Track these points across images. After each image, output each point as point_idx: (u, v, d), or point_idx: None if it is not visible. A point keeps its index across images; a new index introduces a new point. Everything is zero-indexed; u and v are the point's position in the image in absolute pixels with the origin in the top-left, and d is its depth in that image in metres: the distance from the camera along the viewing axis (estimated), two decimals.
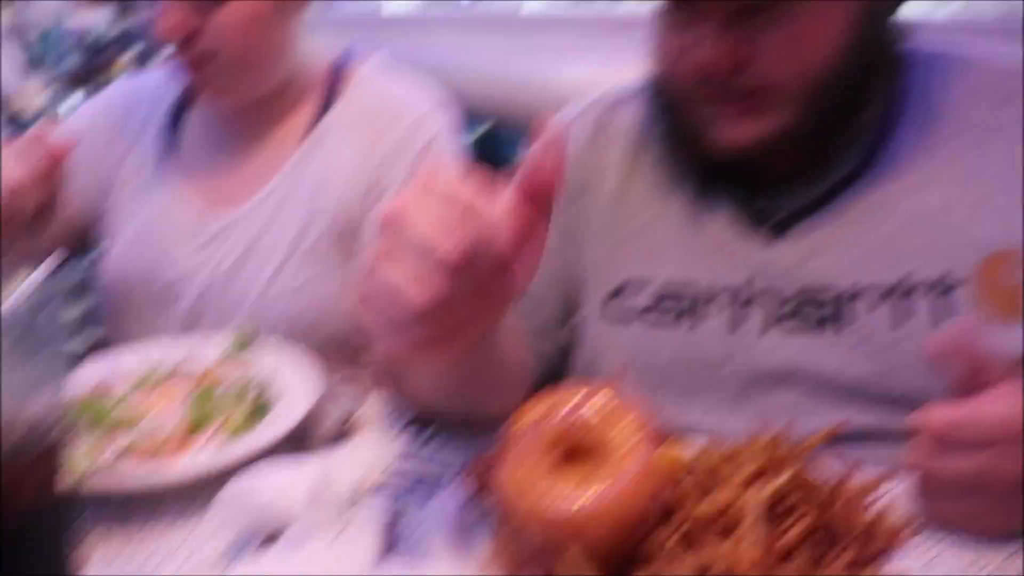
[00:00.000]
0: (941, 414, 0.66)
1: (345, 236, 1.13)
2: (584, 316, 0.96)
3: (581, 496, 0.57)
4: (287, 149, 1.18)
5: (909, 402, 0.72)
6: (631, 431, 0.60)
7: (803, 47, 0.81)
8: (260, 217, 1.15)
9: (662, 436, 0.66)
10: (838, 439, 0.81)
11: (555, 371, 1.00)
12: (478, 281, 0.60)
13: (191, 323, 1.15)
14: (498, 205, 0.61)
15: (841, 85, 0.83)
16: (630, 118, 0.99)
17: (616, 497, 0.57)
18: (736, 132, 0.85)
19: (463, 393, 0.84)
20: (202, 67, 1.10)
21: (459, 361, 0.72)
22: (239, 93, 1.16)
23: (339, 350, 1.13)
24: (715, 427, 0.86)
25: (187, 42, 1.07)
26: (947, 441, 0.66)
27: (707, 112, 0.85)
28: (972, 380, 0.67)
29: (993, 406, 0.66)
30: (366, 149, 1.15)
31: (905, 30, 0.89)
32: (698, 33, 0.82)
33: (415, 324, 0.60)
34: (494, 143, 1.44)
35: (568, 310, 0.99)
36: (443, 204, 0.59)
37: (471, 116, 1.44)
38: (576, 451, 0.61)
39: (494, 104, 1.44)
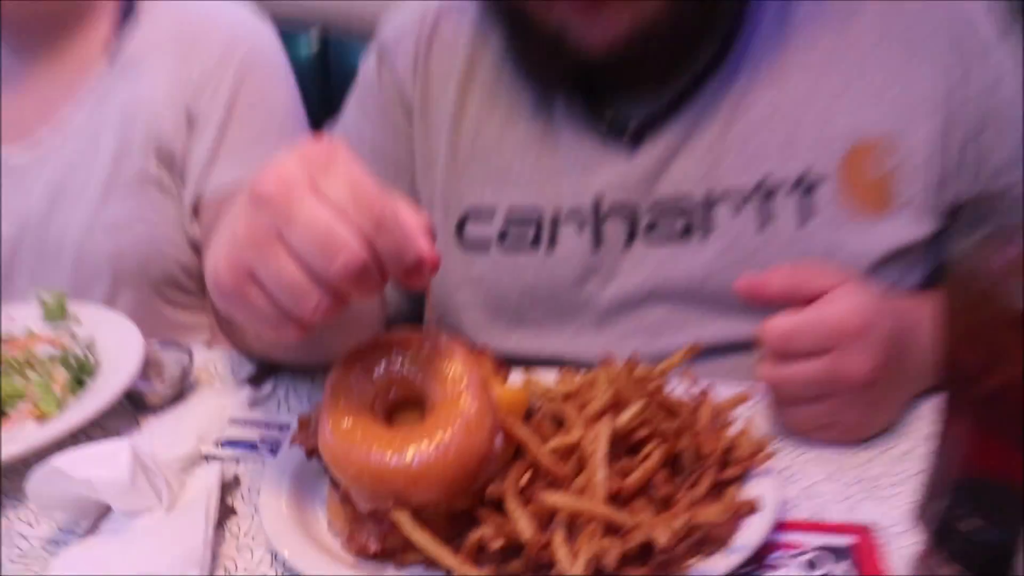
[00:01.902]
0: (779, 324, 0.66)
1: (164, 168, 1.04)
2: (438, 241, 0.90)
3: (410, 449, 0.52)
4: (84, 72, 1.06)
5: (777, 309, 0.70)
6: (459, 375, 0.55)
7: None
8: (67, 150, 1.04)
9: (502, 373, 0.62)
10: (708, 352, 0.80)
11: (416, 305, 0.96)
12: (372, 288, 0.52)
13: (7, 275, 1.05)
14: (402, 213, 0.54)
15: None
16: (465, 25, 0.91)
17: (447, 446, 0.52)
18: (595, 30, 0.76)
19: (311, 346, 0.77)
20: None
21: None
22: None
23: (175, 289, 1.07)
24: (582, 352, 0.83)
25: None
26: (788, 350, 0.66)
27: (560, 11, 0.77)
28: (806, 294, 0.67)
29: (828, 309, 0.66)
30: (179, 69, 1.05)
31: None
32: None
33: (287, 323, 0.53)
34: (327, 55, 1.34)
35: None
36: (348, 201, 0.50)
37: (299, 23, 1.35)
38: (403, 401, 0.57)
39: (324, 7, 1.34)
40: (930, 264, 0.83)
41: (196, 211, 1.05)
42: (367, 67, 0.95)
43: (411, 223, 0.54)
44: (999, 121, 0.80)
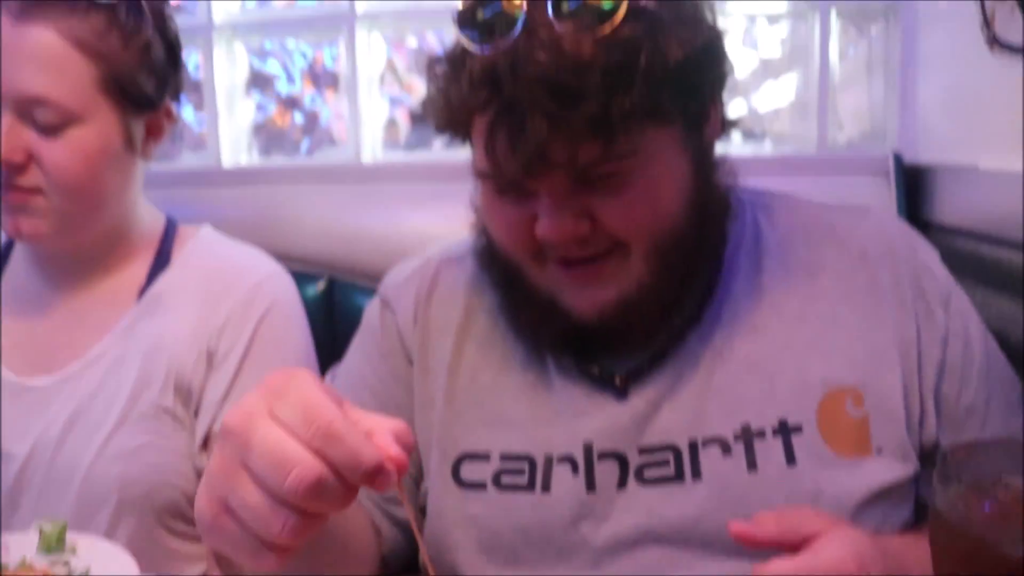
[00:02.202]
0: (771, 569, 0.67)
1: (180, 401, 1.07)
2: (433, 483, 0.92)
3: None
4: (117, 309, 1.11)
5: (768, 550, 0.71)
6: None
7: (642, 211, 0.81)
8: (90, 379, 1.07)
9: None
10: None
11: (413, 542, 0.95)
12: (337, 500, 0.54)
13: (14, 496, 1.05)
14: (366, 422, 0.56)
15: (683, 241, 0.84)
16: (463, 277, 0.98)
17: None
18: (585, 298, 0.83)
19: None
20: (31, 199, 1.03)
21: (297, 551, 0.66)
22: (65, 236, 1.08)
23: (178, 519, 1.07)
24: None
25: (22, 168, 1.01)
26: None
27: (552, 279, 0.84)
28: (796, 538, 0.69)
29: (822, 555, 0.67)
30: (203, 313, 1.10)
31: (731, 171, 0.91)
32: (534, 208, 0.81)
33: (264, 550, 0.54)
34: (332, 296, 1.41)
35: (421, 472, 0.95)
36: (298, 420, 0.52)
37: (310, 268, 1.42)
38: None
39: (333, 255, 1.42)
40: (914, 502, 0.86)
41: (206, 444, 1.07)
42: (371, 313, 1.01)
43: (370, 428, 0.55)
44: (956, 371, 0.86)
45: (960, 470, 0.60)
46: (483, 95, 0.77)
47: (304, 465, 0.51)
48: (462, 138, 0.87)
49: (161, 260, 1.15)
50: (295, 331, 1.16)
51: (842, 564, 0.66)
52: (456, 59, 0.80)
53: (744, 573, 0.71)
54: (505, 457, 0.88)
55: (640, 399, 0.87)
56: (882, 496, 0.83)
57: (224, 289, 1.12)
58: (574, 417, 0.88)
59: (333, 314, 1.41)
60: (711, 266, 0.90)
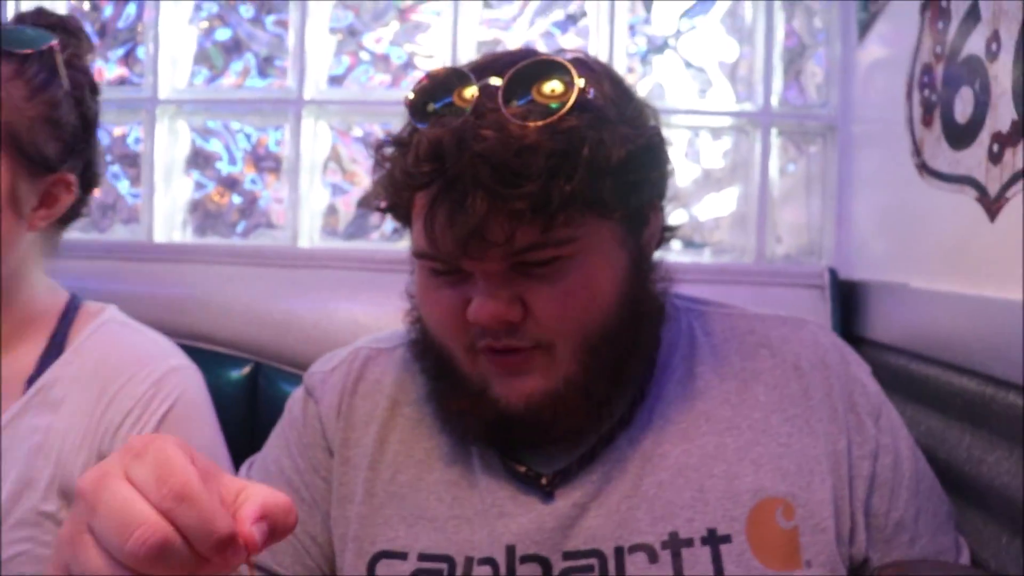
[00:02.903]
0: None
1: (65, 507, 0.97)
2: None
3: None
4: (4, 396, 1.01)
5: None
6: None
7: (575, 303, 0.80)
8: None
9: None
10: None
11: None
12: (185, 567, 0.49)
13: None
14: (226, 485, 0.52)
15: (615, 339, 0.83)
16: (391, 370, 0.95)
17: None
18: (512, 388, 0.82)
19: None
20: None
21: None
22: None
23: None
24: None
25: None
26: None
27: (488, 368, 0.82)
28: None
29: None
30: (98, 410, 1.00)
31: (667, 276, 0.91)
32: (469, 291, 0.80)
33: None
34: (257, 381, 1.37)
35: (334, 568, 0.91)
36: (150, 480, 0.49)
37: (236, 351, 1.38)
38: None
39: (260, 340, 1.38)
40: None
41: None
42: (294, 402, 0.98)
43: (243, 497, 0.51)
44: (886, 485, 0.85)
45: None
46: (427, 170, 0.77)
47: (148, 526, 0.47)
48: (403, 219, 0.87)
49: (55, 345, 1.04)
50: (203, 428, 1.07)
51: None
52: (404, 139, 0.82)
53: None
54: (423, 557, 0.84)
55: (566, 501, 0.84)
56: None
57: (123, 383, 1.02)
58: (497, 518, 0.84)
59: (257, 400, 1.36)
60: (643, 368, 0.88)
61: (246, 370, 1.37)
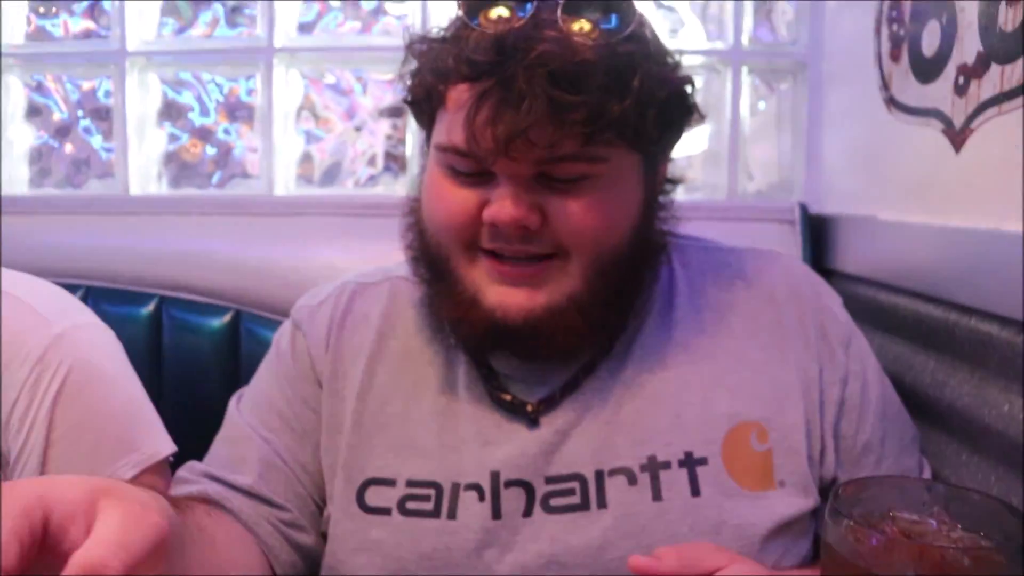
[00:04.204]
0: None
1: None
2: (336, 508, 0.90)
3: None
4: None
5: None
6: None
7: (593, 220, 0.81)
8: None
9: None
10: None
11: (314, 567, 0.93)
12: None
13: None
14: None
15: (622, 266, 0.85)
16: (378, 304, 0.97)
17: None
18: (516, 299, 0.82)
19: None
20: None
21: None
22: None
23: None
24: None
25: None
26: None
27: (484, 274, 0.83)
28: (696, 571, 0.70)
29: None
30: None
31: (674, 216, 0.93)
32: (487, 193, 0.81)
33: None
34: (238, 328, 1.38)
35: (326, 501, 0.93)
36: None
37: (217, 300, 1.39)
38: None
39: (240, 288, 1.39)
40: (813, 537, 0.87)
41: None
42: (282, 336, 0.99)
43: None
44: (854, 409, 0.88)
45: (850, 505, 0.61)
46: (484, 60, 0.77)
47: None
48: (427, 114, 0.86)
49: None
50: (111, 391, 0.95)
51: None
52: (455, 32, 0.81)
53: None
54: (412, 483, 0.87)
55: (549, 428, 0.87)
56: (783, 529, 0.84)
57: (4, 366, 0.89)
58: (483, 445, 0.87)
59: (239, 348, 1.37)
60: (632, 301, 0.90)
61: (227, 318, 1.38)
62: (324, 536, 0.92)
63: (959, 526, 0.61)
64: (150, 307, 1.40)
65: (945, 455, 0.97)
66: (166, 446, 0.97)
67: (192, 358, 1.38)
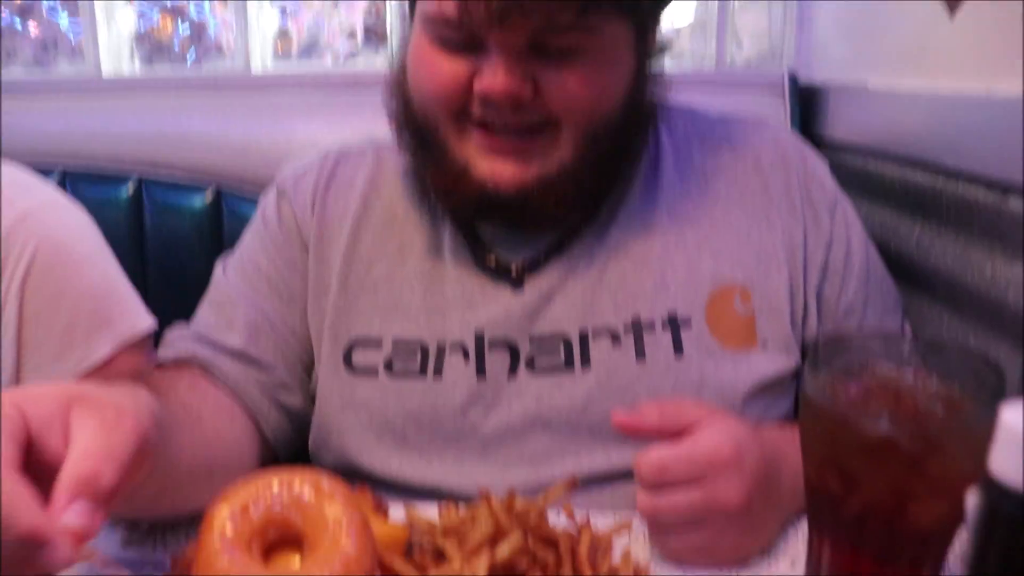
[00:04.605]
0: (653, 456, 0.69)
1: None
2: (323, 368, 0.91)
3: None
4: None
5: (650, 440, 0.72)
6: (338, 516, 0.55)
7: (585, 90, 0.79)
8: None
9: (382, 511, 0.61)
10: (590, 482, 0.81)
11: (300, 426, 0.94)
12: None
13: None
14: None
15: (614, 135, 0.83)
16: (363, 170, 0.96)
17: None
18: (508, 171, 0.81)
19: (158, 505, 0.73)
20: None
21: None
22: None
23: None
24: (465, 480, 0.85)
25: None
26: (663, 480, 0.68)
27: (474, 145, 0.82)
28: (677, 427, 0.70)
29: (700, 441, 0.69)
30: None
31: (663, 87, 0.91)
32: (479, 64, 0.79)
33: None
34: (220, 206, 1.37)
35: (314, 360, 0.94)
36: None
37: (196, 179, 1.37)
38: (282, 540, 0.55)
39: (220, 166, 1.37)
40: (795, 397, 0.89)
41: None
42: (267, 203, 0.99)
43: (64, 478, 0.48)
44: (837, 273, 0.88)
45: (830, 358, 0.61)
46: None
47: None
48: None
49: None
50: (81, 270, 0.94)
51: (719, 449, 0.68)
52: None
53: (629, 462, 0.71)
54: (398, 343, 0.88)
55: (533, 290, 0.87)
56: (765, 388, 0.85)
57: None
58: (468, 306, 0.87)
59: (221, 224, 1.36)
60: (620, 168, 0.89)
61: (208, 198, 1.37)
62: (313, 399, 0.93)
63: (935, 378, 0.61)
64: (129, 189, 1.38)
65: (927, 318, 0.98)
66: (144, 322, 0.97)
67: (175, 239, 1.37)
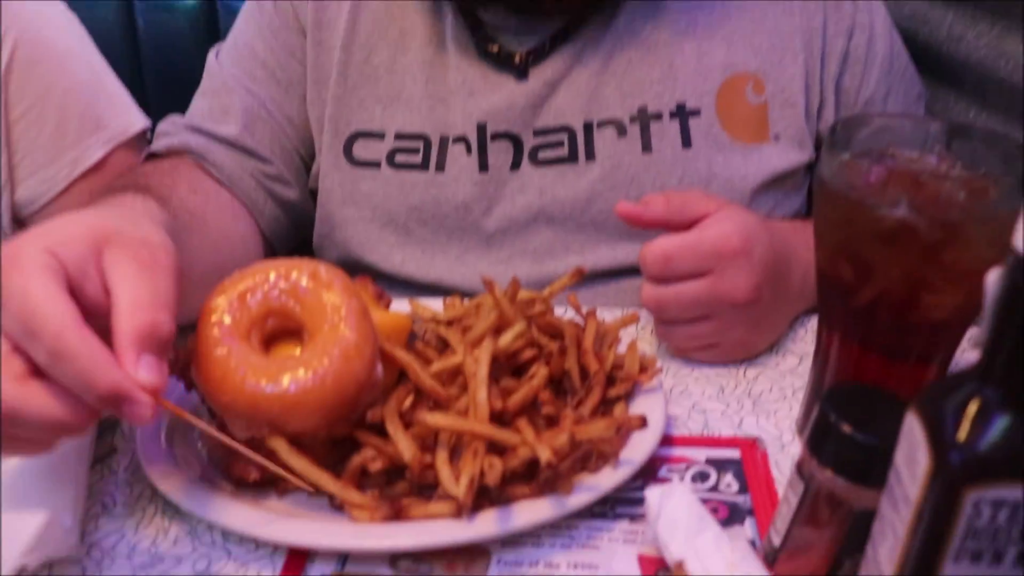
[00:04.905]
0: (659, 246, 0.67)
1: None
2: (324, 160, 0.88)
3: (286, 376, 0.51)
4: None
5: (655, 231, 0.70)
6: (338, 304, 0.54)
7: None
8: None
9: (383, 302, 0.61)
10: (595, 276, 0.81)
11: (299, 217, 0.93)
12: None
13: None
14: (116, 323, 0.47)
15: None
16: None
17: (325, 374, 0.51)
18: None
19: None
20: None
21: None
22: None
23: None
24: (468, 274, 0.84)
25: None
26: (669, 272, 0.67)
27: None
28: (685, 219, 0.68)
29: (707, 232, 0.67)
30: None
31: None
32: None
33: None
34: (213, 7, 1.30)
35: (313, 151, 0.91)
36: (18, 333, 0.45)
37: None
38: (281, 331, 0.55)
39: None
40: (807, 193, 0.86)
41: (19, 225, 0.92)
42: None
43: (119, 335, 0.46)
44: (858, 63, 0.84)
45: (848, 140, 0.58)
46: None
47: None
48: None
49: None
50: (65, 67, 0.90)
51: (727, 239, 0.66)
52: None
53: (635, 257, 0.70)
54: (400, 136, 0.85)
55: (537, 80, 0.83)
56: (776, 182, 0.83)
57: None
58: (470, 96, 0.84)
59: (217, 24, 1.29)
60: None
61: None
62: (311, 193, 0.91)
63: (959, 164, 0.58)
64: None
65: (952, 112, 0.93)
66: (137, 121, 0.94)
67: (170, 41, 1.31)
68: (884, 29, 0.87)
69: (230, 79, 0.89)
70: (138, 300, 0.47)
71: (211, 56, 0.93)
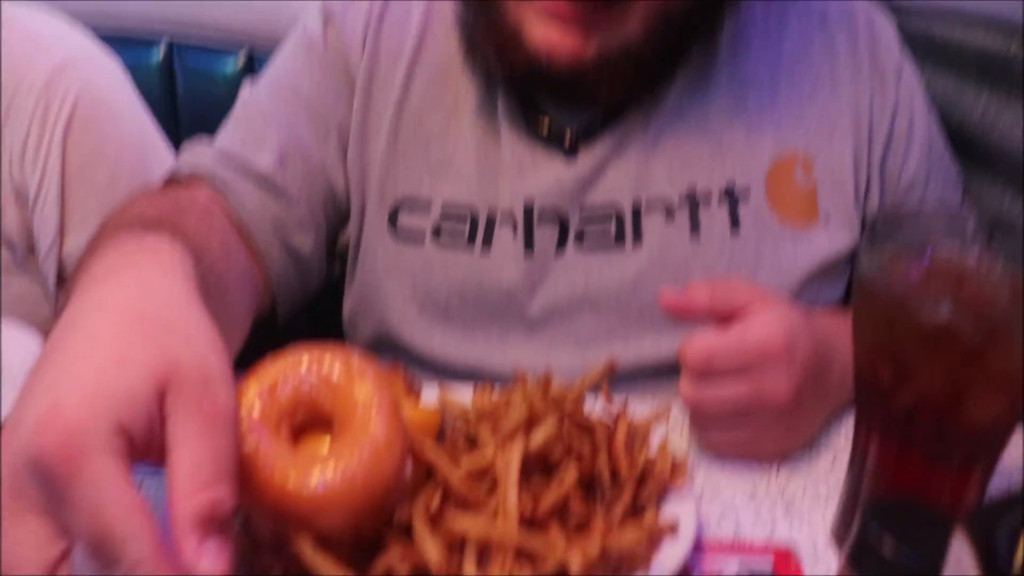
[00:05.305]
0: (700, 343, 0.65)
1: (8, 248, 0.91)
2: (368, 226, 0.87)
3: (315, 473, 0.50)
4: None
5: (698, 322, 0.69)
6: (369, 398, 0.53)
7: None
8: None
9: (415, 393, 0.60)
10: (637, 370, 0.80)
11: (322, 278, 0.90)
12: None
13: None
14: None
15: (687, 16, 0.76)
16: (415, 9, 0.88)
17: (354, 472, 0.50)
18: (566, 42, 0.73)
19: None
20: None
21: None
22: None
23: None
24: (508, 359, 0.82)
25: None
26: (710, 370, 0.65)
27: (535, 6, 0.73)
28: (727, 311, 0.66)
29: (750, 330, 0.65)
30: None
31: None
32: None
33: None
34: (253, 72, 1.32)
35: (343, 210, 0.88)
36: (81, 532, 0.40)
37: (226, 39, 1.31)
38: (311, 423, 0.54)
39: (251, 27, 1.31)
40: (849, 277, 0.85)
41: (62, 280, 0.93)
42: (311, 26, 0.89)
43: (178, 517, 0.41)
44: (901, 143, 0.83)
45: (889, 236, 0.57)
46: None
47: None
48: None
49: None
50: (120, 126, 0.94)
51: (770, 341, 0.65)
52: None
53: (676, 347, 0.68)
54: (447, 207, 0.83)
55: (587, 158, 0.82)
56: (823, 270, 0.82)
57: (8, 98, 0.87)
58: (520, 172, 0.82)
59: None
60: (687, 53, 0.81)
61: (241, 62, 1.30)
62: (326, 248, 0.87)
63: (1001, 261, 0.57)
64: (160, 53, 1.33)
65: (986, 197, 0.92)
66: None
67: (208, 108, 1.32)
68: (923, 110, 0.87)
69: (269, 111, 0.85)
70: (198, 473, 0.42)
71: (245, 89, 0.90)
